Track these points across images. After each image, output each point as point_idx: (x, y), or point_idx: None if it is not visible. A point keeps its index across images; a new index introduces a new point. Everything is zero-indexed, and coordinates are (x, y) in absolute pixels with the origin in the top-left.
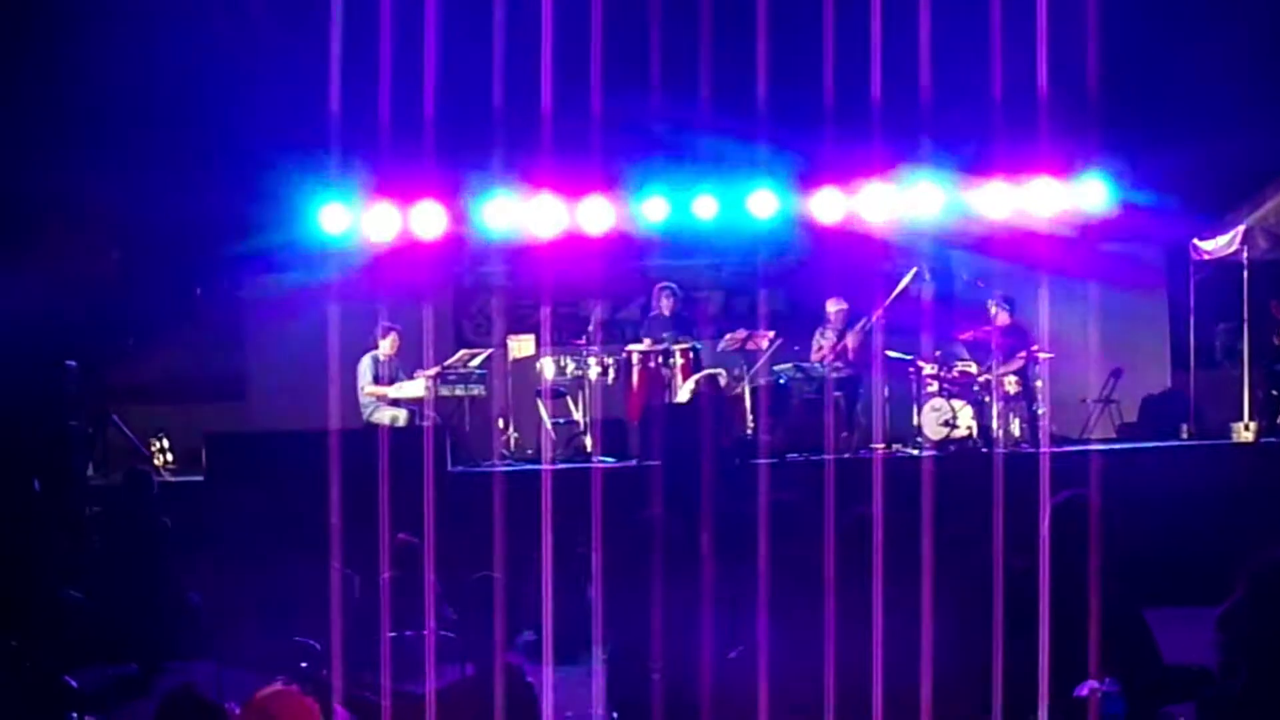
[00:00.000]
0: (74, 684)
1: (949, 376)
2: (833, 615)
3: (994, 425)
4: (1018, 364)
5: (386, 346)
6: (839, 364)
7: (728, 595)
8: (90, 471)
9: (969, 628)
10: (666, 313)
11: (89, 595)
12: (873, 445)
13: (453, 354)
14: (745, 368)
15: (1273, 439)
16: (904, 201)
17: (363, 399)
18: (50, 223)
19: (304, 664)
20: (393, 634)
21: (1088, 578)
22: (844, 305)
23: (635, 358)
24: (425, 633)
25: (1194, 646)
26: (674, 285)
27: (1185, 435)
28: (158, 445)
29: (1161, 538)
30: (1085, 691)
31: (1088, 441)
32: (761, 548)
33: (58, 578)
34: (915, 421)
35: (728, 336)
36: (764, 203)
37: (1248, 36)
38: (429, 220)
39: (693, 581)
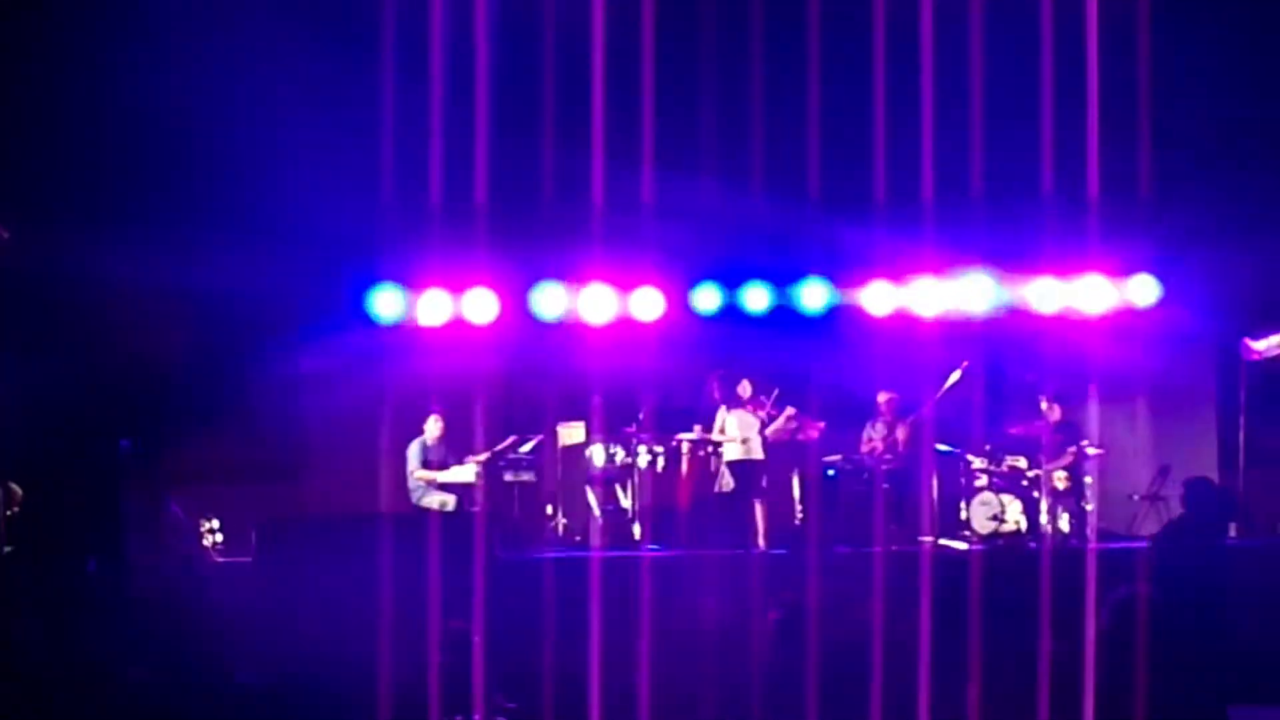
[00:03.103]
0: None
1: (998, 471)
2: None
3: (1043, 520)
4: (1068, 460)
5: (432, 430)
6: (888, 456)
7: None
8: (139, 552)
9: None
10: (719, 399)
11: (144, 676)
12: (921, 538)
13: (503, 440)
14: (794, 458)
15: None
16: (955, 295)
17: (411, 483)
18: (108, 303)
19: None
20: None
21: (1147, 672)
22: (894, 396)
23: (685, 446)
24: (475, 718)
25: None
26: (726, 373)
27: (1233, 534)
28: (208, 526)
29: (1212, 636)
30: None
31: (1136, 538)
32: (811, 635)
33: (115, 659)
34: (964, 515)
35: (777, 426)
36: (815, 295)
37: None
38: (481, 306)
39: (747, 670)
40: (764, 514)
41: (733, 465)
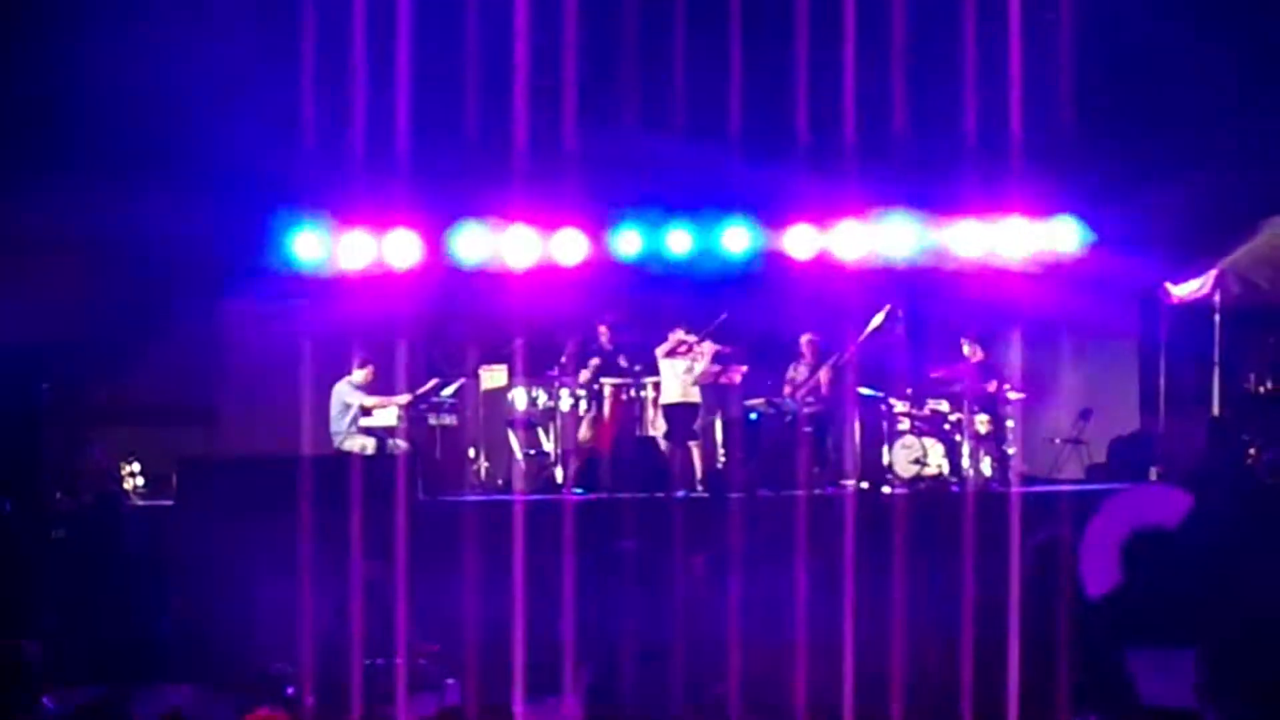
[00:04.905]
0: (50, 705)
1: (920, 414)
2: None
3: (965, 464)
4: (988, 388)
5: (361, 378)
6: (811, 399)
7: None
8: (59, 494)
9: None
10: (608, 346)
11: (58, 617)
12: (844, 482)
13: (425, 383)
14: (717, 401)
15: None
16: (877, 239)
17: (337, 426)
18: (25, 246)
19: (289, 689)
20: (365, 662)
21: (1067, 615)
22: (817, 339)
23: (607, 390)
24: (397, 661)
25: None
26: (616, 321)
27: (1153, 477)
28: (129, 469)
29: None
30: None
31: (1057, 482)
32: (738, 578)
33: (30, 599)
34: (886, 459)
35: (701, 370)
36: (737, 238)
37: (1220, 82)
38: (402, 249)
39: (670, 613)
40: (701, 456)
41: (669, 409)
